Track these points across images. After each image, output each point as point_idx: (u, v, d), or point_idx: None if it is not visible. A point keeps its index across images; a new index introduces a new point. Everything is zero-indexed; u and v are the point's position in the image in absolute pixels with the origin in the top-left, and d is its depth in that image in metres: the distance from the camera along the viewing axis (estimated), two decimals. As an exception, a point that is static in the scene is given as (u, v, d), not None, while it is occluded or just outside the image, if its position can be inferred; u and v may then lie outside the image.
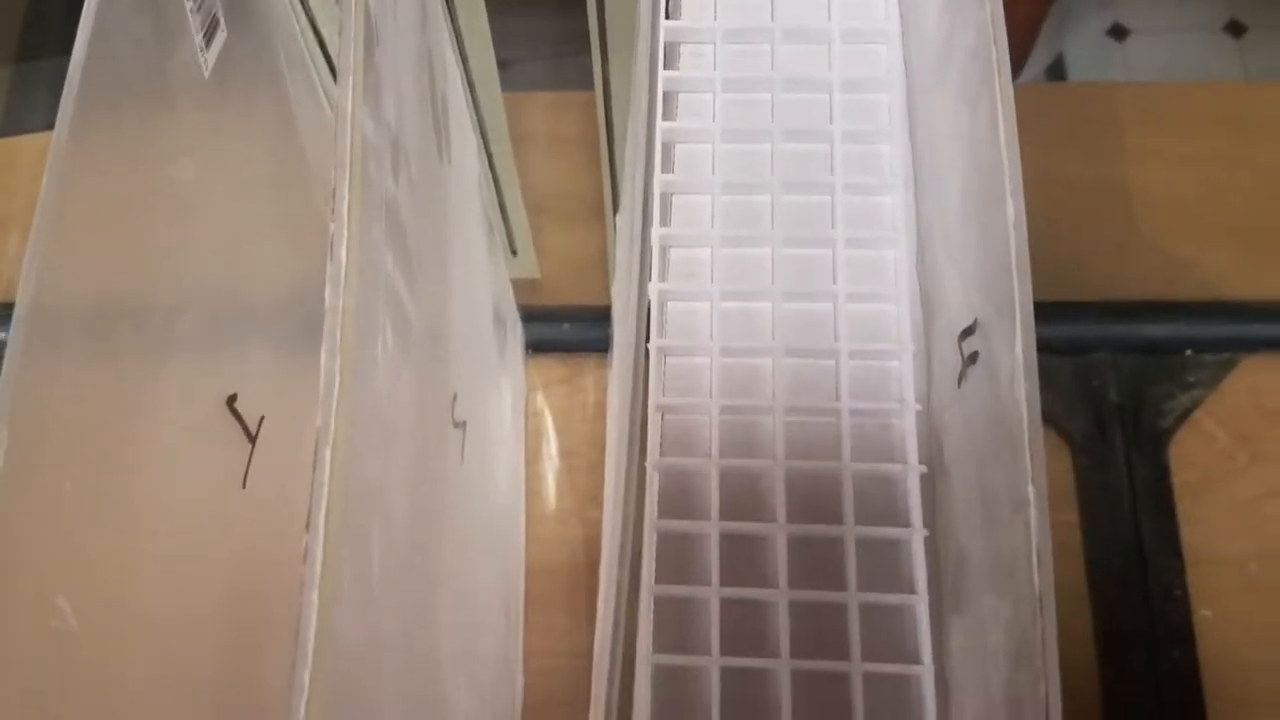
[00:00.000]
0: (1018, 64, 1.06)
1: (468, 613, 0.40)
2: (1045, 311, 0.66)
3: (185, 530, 0.34)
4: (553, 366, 0.62)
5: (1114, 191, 0.66)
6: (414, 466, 0.31)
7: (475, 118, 0.47)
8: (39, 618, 0.25)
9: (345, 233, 0.24)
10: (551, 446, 0.61)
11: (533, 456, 0.60)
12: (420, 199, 0.32)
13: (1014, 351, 0.23)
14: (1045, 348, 0.68)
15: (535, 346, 0.62)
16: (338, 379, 0.23)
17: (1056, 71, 1.16)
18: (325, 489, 0.21)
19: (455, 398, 0.37)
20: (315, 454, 0.22)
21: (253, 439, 0.38)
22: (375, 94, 0.27)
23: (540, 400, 0.62)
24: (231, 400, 0.36)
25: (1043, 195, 0.69)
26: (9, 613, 0.24)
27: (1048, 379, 0.62)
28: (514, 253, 0.57)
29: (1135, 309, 0.63)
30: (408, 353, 0.30)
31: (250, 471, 0.38)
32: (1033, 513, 0.21)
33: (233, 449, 0.37)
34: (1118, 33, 1.19)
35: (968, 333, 0.27)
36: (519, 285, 0.59)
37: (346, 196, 0.24)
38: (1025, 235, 0.23)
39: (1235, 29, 1.19)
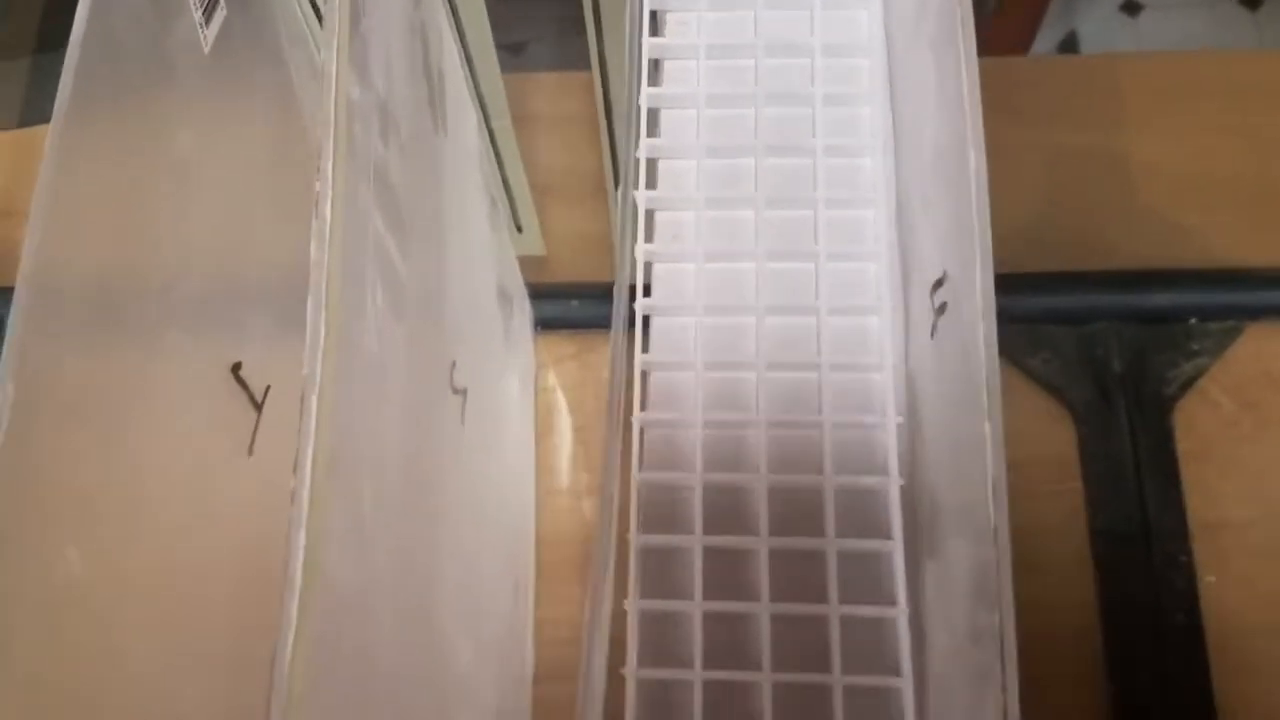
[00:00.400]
0: (1026, 38, 1.06)
1: (471, 578, 0.41)
2: (1047, 281, 0.67)
3: (193, 495, 0.35)
4: (562, 343, 0.63)
5: (1118, 161, 0.67)
6: (408, 424, 0.32)
7: (475, 93, 0.48)
8: (46, 580, 0.26)
9: (330, 190, 0.25)
10: (563, 421, 0.62)
11: (544, 432, 0.61)
12: (412, 167, 0.33)
13: (975, 295, 0.23)
14: (1047, 318, 0.68)
15: (544, 324, 0.62)
16: (324, 330, 0.24)
17: (1069, 47, 1.16)
18: (312, 435, 0.22)
19: (454, 364, 0.38)
20: (302, 401, 0.23)
21: (259, 407, 0.39)
22: (362, 61, 0.28)
23: (551, 377, 0.63)
24: (236, 368, 0.37)
25: (1047, 166, 0.70)
26: (17, 578, 0.25)
27: (1050, 349, 0.63)
28: (519, 229, 0.58)
29: (1138, 277, 0.63)
30: (400, 314, 0.31)
31: (257, 439, 0.39)
32: (989, 448, 0.22)
33: (239, 417, 0.38)
34: (1131, 8, 1.19)
35: (938, 285, 0.28)
36: (526, 263, 0.60)
37: (332, 155, 0.25)
38: (985, 184, 0.24)
39: (1251, 1, 1.18)
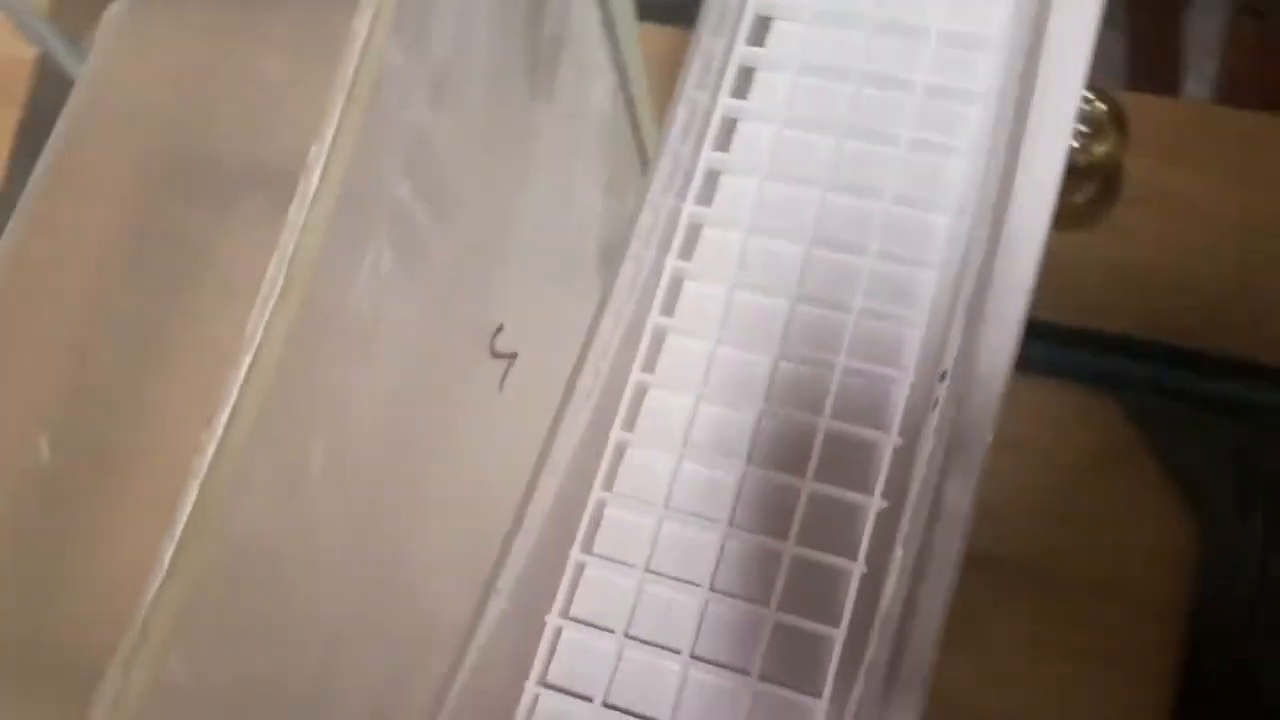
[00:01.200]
0: (1172, 82, 0.93)
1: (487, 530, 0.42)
2: (1210, 365, 0.60)
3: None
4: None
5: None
6: (409, 386, 0.32)
7: (615, 57, 0.47)
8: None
9: (323, 159, 0.24)
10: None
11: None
12: (479, 134, 0.33)
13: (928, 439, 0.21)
14: (1206, 405, 0.62)
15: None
16: (277, 290, 0.24)
17: None
18: (233, 395, 0.23)
19: (500, 329, 0.38)
20: (239, 358, 0.23)
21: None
22: (417, 25, 0.28)
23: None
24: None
25: (1254, 235, 0.62)
26: None
27: (1195, 442, 0.57)
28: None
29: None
30: (419, 278, 0.31)
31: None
32: (891, 580, 0.20)
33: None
34: None
35: (943, 377, 0.25)
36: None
37: (336, 122, 0.25)
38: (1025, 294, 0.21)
39: None
